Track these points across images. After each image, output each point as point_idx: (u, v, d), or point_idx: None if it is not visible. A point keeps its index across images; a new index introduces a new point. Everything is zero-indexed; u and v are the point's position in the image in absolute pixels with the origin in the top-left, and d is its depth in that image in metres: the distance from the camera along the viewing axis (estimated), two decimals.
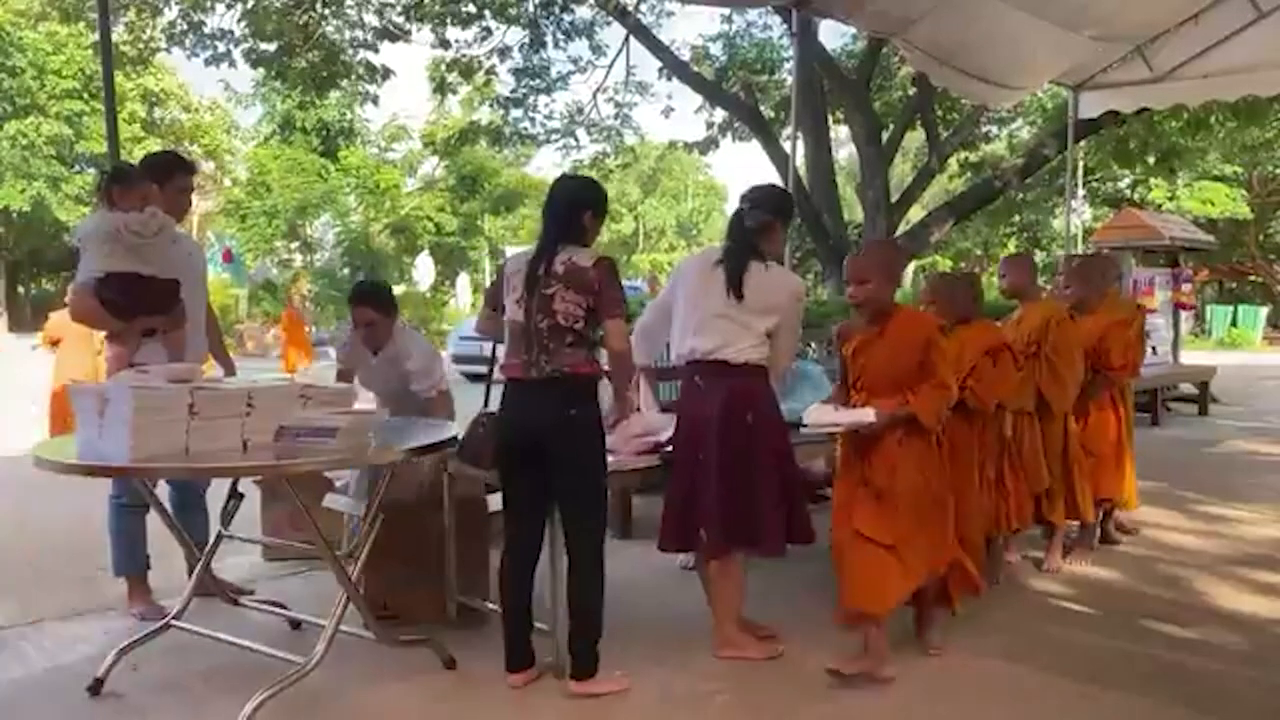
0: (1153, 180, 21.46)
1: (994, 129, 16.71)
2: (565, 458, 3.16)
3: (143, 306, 3.62)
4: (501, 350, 3.40)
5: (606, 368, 3.32)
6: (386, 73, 13.34)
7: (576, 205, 3.27)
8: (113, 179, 3.66)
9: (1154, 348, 5.91)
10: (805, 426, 3.48)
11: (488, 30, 13.29)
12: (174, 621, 3.44)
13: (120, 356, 3.59)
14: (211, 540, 3.62)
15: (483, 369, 3.45)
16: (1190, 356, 13.01)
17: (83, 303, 3.60)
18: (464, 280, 31.60)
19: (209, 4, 12.10)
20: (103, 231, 3.53)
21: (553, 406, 3.14)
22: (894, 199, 12.66)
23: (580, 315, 3.13)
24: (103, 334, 3.95)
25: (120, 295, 3.54)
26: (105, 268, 3.53)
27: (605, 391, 3.39)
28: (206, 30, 12.36)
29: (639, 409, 3.92)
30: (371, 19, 12.70)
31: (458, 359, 15.56)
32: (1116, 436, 4.82)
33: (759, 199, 3.61)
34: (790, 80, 11.66)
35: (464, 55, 13.64)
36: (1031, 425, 4.41)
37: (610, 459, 3.43)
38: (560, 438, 3.14)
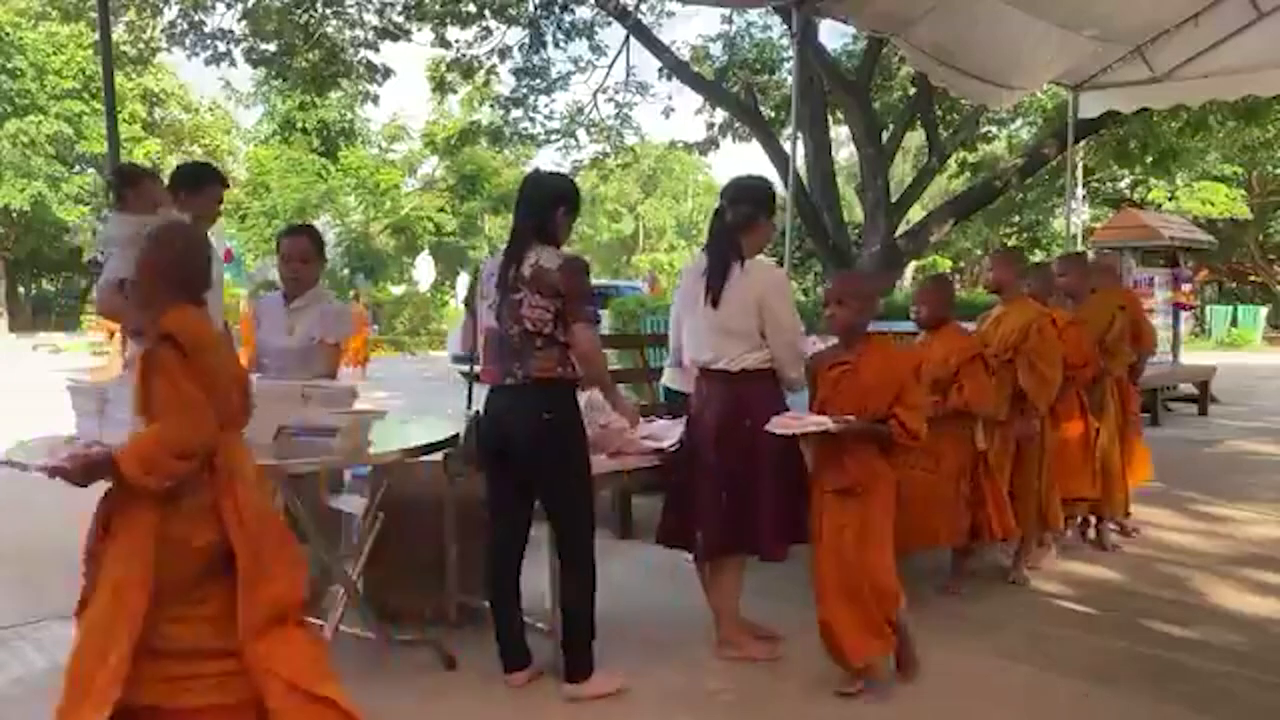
0: (1153, 180, 21.47)
1: (994, 129, 16.69)
2: (545, 462, 3.14)
3: None
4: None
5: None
6: (387, 72, 13.33)
7: (548, 202, 3.21)
8: (124, 182, 3.71)
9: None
10: None
11: (488, 30, 13.29)
12: None
13: None
14: None
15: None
16: (1190, 356, 13.02)
17: (111, 300, 3.66)
18: (464, 280, 31.61)
19: (209, 4, 12.10)
20: (124, 236, 3.59)
21: (528, 412, 3.11)
22: (894, 199, 12.66)
23: (549, 319, 3.09)
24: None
25: None
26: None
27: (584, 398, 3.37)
28: (206, 30, 12.36)
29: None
30: (372, 18, 12.70)
31: (458, 359, 15.55)
32: (1084, 437, 4.72)
33: (740, 194, 3.51)
34: (790, 80, 11.66)
35: (464, 55, 13.64)
36: (1005, 433, 4.33)
37: (613, 461, 3.43)
38: (538, 443, 3.12)
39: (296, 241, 3.86)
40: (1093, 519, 5.10)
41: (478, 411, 3.33)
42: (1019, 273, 4.61)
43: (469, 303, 3.37)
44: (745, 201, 3.48)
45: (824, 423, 3.15)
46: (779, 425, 3.19)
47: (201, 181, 4.00)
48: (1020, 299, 4.55)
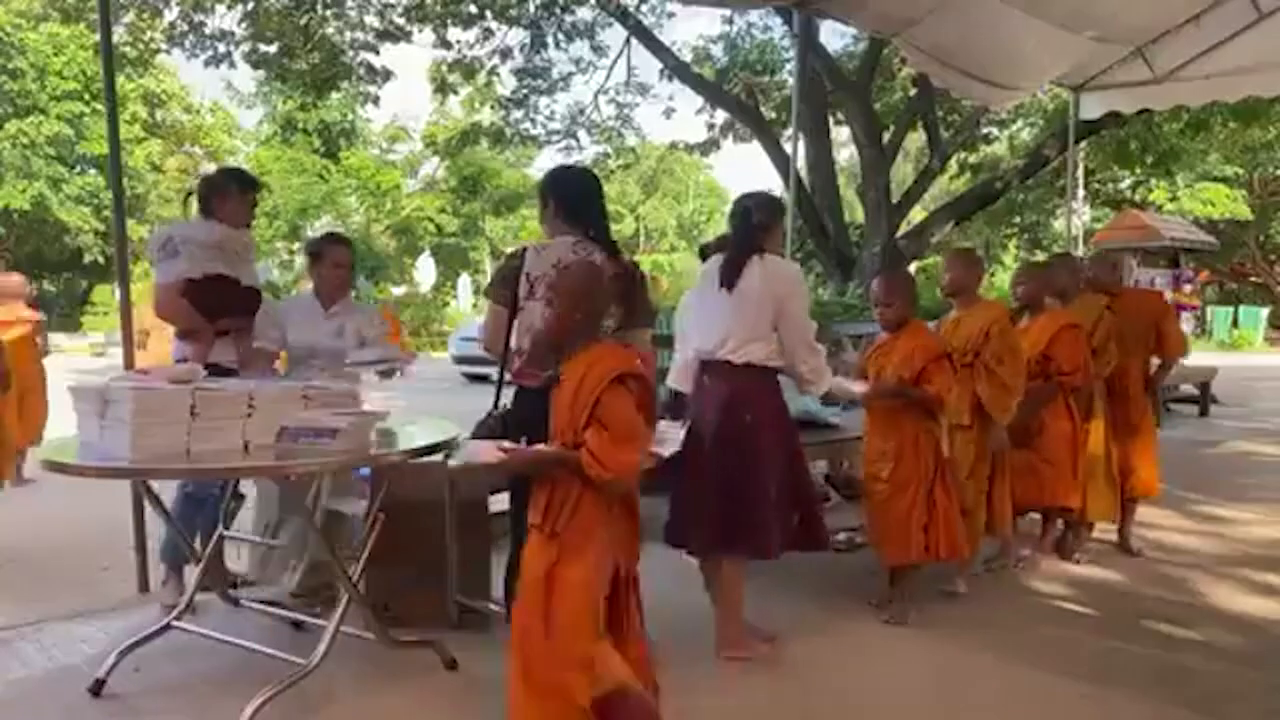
0: (1154, 181, 21.45)
1: (994, 130, 16.68)
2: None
3: (230, 309, 3.80)
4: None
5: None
6: (387, 74, 13.34)
7: (601, 200, 3.20)
8: (215, 190, 3.84)
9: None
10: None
11: (489, 31, 13.30)
12: (175, 622, 3.45)
13: (198, 354, 3.70)
14: (213, 540, 3.65)
15: (482, 369, 3.41)
16: (1191, 357, 12.99)
17: (172, 302, 3.74)
18: (465, 282, 31.63)
19: (209, 5, 12.10)
20: (214, 241, 3.73)
21: None
22: (895, 200, 12.65)
23: (611, 327, 3.05)
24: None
25: (213, 297, 3.72)
26: (204, 272, 3.71)
27: None
28: (207, 31, 12.36)
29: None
30: (372, 20, 12.71)
31: (459, 360, 15.55)
32: (1072, 444, 4.60)
33: (762, 201, 3.64)
34: (791, 81, 11.66)
35: (465, 56, 13.66)
36: (969, 438, 4.23)
37: None
38: None
39: (343, 250, 4.07)
40: (1062, 526, 4.96)
41: (501, 411, 3.26)
42: (976, 273, 4.49)
43: (501, 299, 3.20)
44: (765, 208, 3.61)
45: (491, 453, 2.68)
46: (467, 455, 2.85)
47: (243, 187, 4.09)
48: (977, 300, 4.40)
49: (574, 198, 3.19)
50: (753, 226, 3.53)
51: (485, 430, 3.27)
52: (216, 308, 3.75)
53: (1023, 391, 4.25)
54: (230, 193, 3.87)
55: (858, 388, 3.99)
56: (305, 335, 3.96)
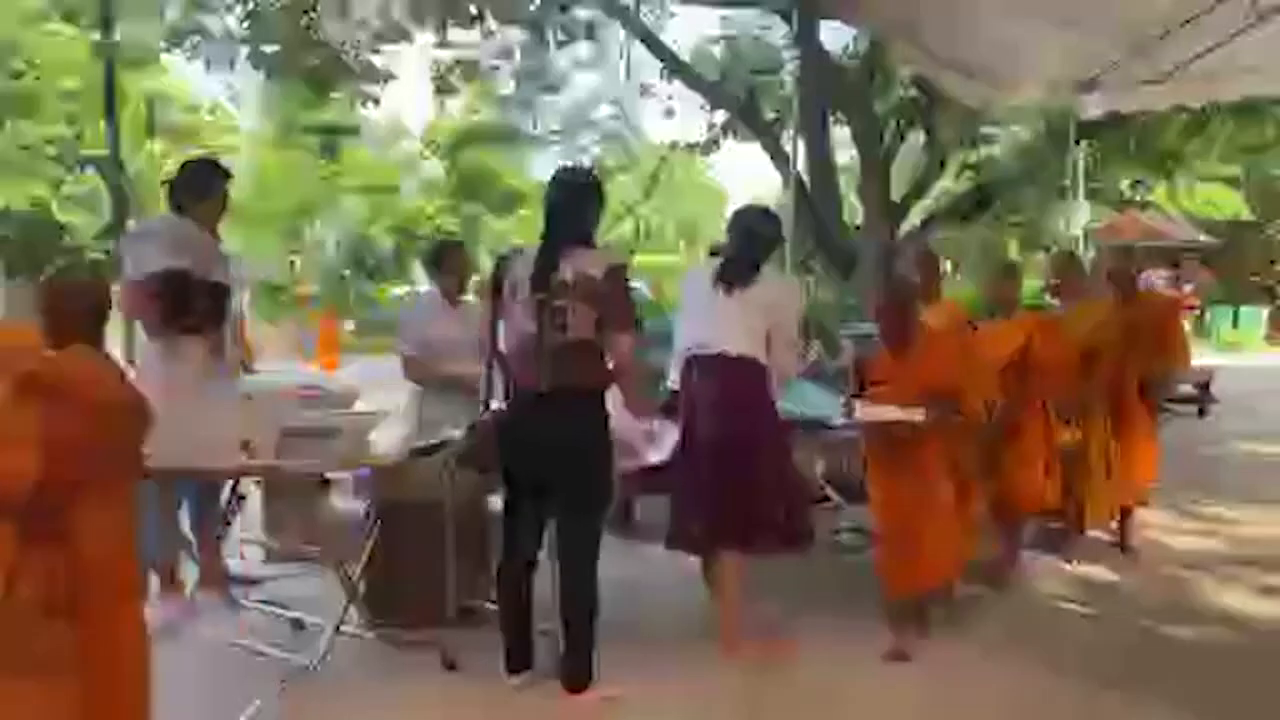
0: (1154, 181, 21.42)
1: (994, 130, 16.66)
2: (579, 470, 3.10)
3: (196, 307, 3.75)
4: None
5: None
6: (387, 74, 13.35)
7: (585, 201, 3.19)
8: (188, 189, 3.83)
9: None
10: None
11: (490, 32, 13.31)
12: (176, 622, 3.45)
13: (168, 352, 3.68)
14: (213, 540, 3.65)
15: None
16: (1191, 358, 12.99)
17: (138, 299, 3.70)
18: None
19: (210, 6, 12.10)
20: (182, 237, 3.72)
21: (568, 419, 3.07)
22: (895, 200, 12.66)
23: (592, 327, 3.07)
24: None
25: (177, 292, 3.68)
26: (169, 268, 3.67)
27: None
28: (207, 32, 12.36)
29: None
30: (374, 20, 12.70)
31: None
32: (1045, 447, 4.49)
33: (769, 218, 3.72)
34: (791, 81, 11.66)
35: (466, 56, 13.66)
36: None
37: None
38: (575, 451, 3.08)
39: (462, 256, 4.35)
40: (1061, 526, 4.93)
41: (493, 413, 3.28)
42: (939, 277, 4.49)
43: (487, 301, 3.25)
44: (773, 223, 3.72)
45: None
46: None
47: (217, 188, 4.03)
48: (939, 301, 4.35)
49: (553, 201, 3.20)
50: (757, 241, 3.59)
51: (490, 427, 3.27)
52: (183, 305, 3.70)
53: (980, 393, 4.12)
54: (204, 192, 3.84)
55: (906, 415, 3.67)
56: (443, 330, 4.10)
